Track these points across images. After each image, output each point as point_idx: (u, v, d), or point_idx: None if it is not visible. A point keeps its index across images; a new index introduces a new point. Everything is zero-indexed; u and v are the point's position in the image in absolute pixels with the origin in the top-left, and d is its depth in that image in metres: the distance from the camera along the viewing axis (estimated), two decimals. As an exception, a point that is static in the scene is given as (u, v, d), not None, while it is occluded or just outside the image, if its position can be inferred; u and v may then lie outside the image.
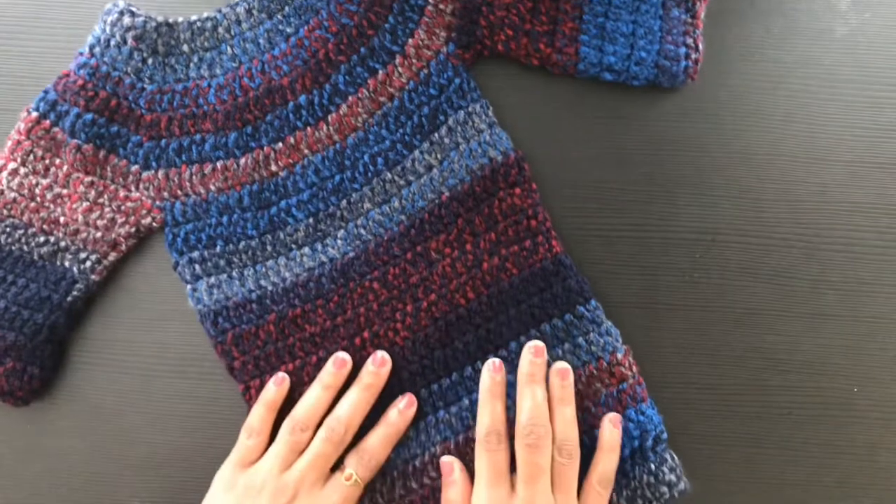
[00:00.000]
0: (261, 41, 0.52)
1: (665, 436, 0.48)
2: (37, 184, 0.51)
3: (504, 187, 0.50)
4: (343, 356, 0.50)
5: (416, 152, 0.51)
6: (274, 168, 0.51)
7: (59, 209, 0.51)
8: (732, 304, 0.52)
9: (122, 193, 0.52)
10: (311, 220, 0.51)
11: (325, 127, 0.51)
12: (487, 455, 0.46)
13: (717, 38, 0.53)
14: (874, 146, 0.53)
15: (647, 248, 0.52)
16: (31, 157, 0.51)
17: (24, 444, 0.52)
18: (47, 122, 0.51)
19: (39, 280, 0.51)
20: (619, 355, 0.49)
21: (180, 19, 0.52)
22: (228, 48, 0.52)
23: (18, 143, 0.51)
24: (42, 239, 0.51)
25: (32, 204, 0.51)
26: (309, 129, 0.51)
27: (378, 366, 0.49)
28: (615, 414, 0.48)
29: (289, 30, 0.52)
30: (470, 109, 0.51)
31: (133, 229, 0.52)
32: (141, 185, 0.52)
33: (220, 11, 0.52)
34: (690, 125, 0.53)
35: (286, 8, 0.52)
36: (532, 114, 0.53)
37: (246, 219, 0.51)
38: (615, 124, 0.53)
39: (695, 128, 0.53)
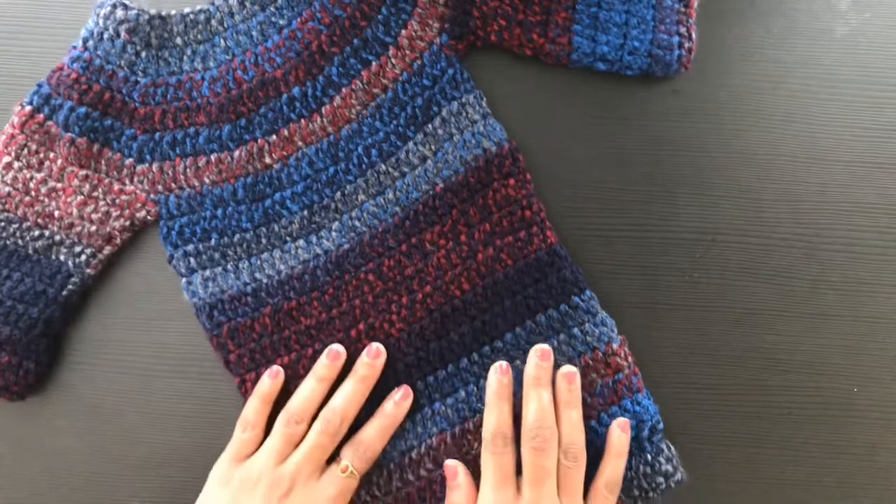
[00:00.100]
0: (254, 33, 0.52)
1: (661, 426, 0.48)
2: (31, 178, 0.51)
3: (498, 178, 0.50)
4: (337, 348, 0.50)
5: (410, 143, 0.51)
6: (268, 160, 0.51)
7: (53, 203, 0.51)
8: (732, 304, 0.52)
9: (116, 187, 0.51)
10: (305, 212, 0.51)
11: (318, 119, 0.51)
12: (493, 457, 0.46)
13: (717, 38, 0.53)
14: (874, 146, 0.53)
15: (647, 248, 0.52)
16: (26, 151, 0.51)
17: (23, 444, 0.52)
18: (41, 115, 0.51)
19: (34, 274, 0.51)
20: (615, 345, 0.49)
21: (173, 12, 0.52)
22: (222, 40, 0.52)
23: (12, 136, 0.51)
24: (37, 233, 0.51)
25: (27, 198, 0.51)
26: (303, 120, 0.51)
27: (373, 357, 0.49)
28: (624, 419, 0.48)
29: (282, 22, 0.52)
30: (463, 100, 0.51)
31: (128, 223, 0.52)
32: (135, 179, 0.52)
33: (212, 4, 0.52)
34: (690, 125, 0.53)
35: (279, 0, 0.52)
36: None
37: (240, 211, 0.51)
38: (615, 124, 0.53)
39: (695, 128, 0.53)
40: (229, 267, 0.51)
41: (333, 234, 0.51)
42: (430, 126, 0.51)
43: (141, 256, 0.53)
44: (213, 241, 0.51)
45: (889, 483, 0.51)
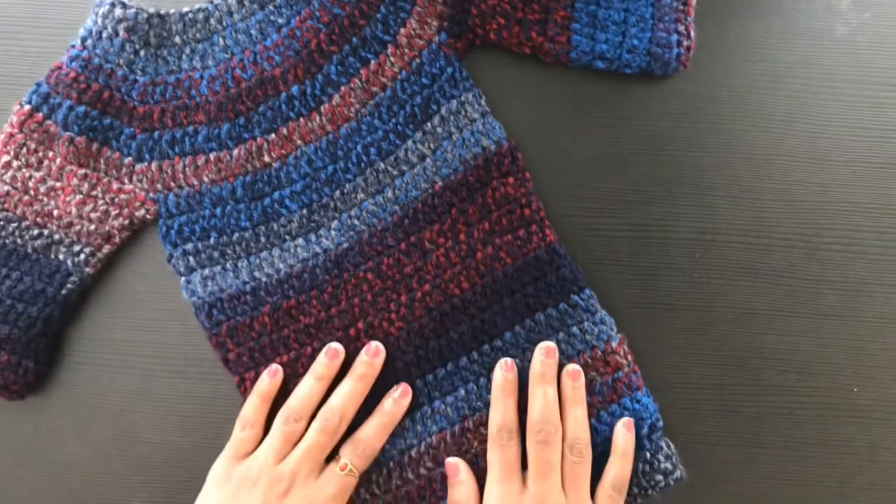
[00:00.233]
0: (253, 32, 0.52)
1: (661, 424, 0.48)
2: (30, 177, 0.51)
3: (497, 177, 0.50)
4: (336, 347, 0.50)
5: (409, 142, 0.51)
6: (267, 159, 0.51)
7: (52, 202, 0.51)
8: (732, 304, 0.52)
9: (115, 186, 0.51)
10: (304, 210, 0.51)
11: (317, 117, 0.51)
12: (499, 451, 0.47)
13: (717, 38, 0.53)
14: (875, 146, 0.53)
15: (647, 248, 0.52)
16: (24, 150, 0.51)
17: (23, 444, 0.52)
18: (40, 114, 0.51)
19: (33, 273, 0.51)
20: (614, 344, 0.49)
21: (172, 10, 0.52)
22: (220, 39, 0.52)
23: (11, 136, 0.51)
24: (36, 232, 0.51)
25: (26, 197, 0.51)
26: (302, 119, 0.51)
27: (372, 356, 0.49)
28: (629, 418, 0.48)
29: (280, 20, 0.52)
30: (462, 99, 0.51)
31: (127, 221, 0.52)
32: (134, 178, 0.52)
33: (211, 2, 0.52)
34: (690, 125, 0.53)
35: (277, -2, 0.52)
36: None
37: (239, 210, 0.51)
38: (615, 124, 0.53)
39: (695, 128, 0.53)
40: (228, 266, 0.51)
41: (332, 232, 0.51)
42: (429, 124, 0.51)
43: (141, 256, 0.53)
44: (212, 240, 0.51)
45: (889, 483, 0.51)
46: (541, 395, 0.47)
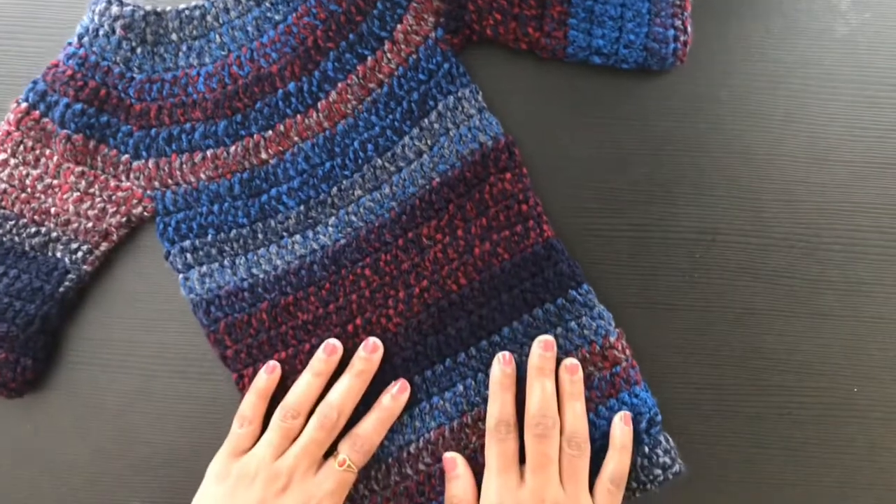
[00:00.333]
0: (249, 29, 0.52)
1: (659, 418, 0.48)
2: (27, 175, 0.51)
3: (494, 172, 0.50)
4: (333, 343, 0.50)
5: (406, 138, 0.51)
6: (264, 156, 0.51)
7: (49, 200, 0.51)
8: (732, 304, 0.52)
9: (112, 183, 0.51)
10: (301, 207, 0.51)
11: (314, 114, 0.51)
12: (497, 444, 0.47)
13: (717, 38, 0.53)
14: (874, 146, 0.53)
15: (647, 248, 0.52)
16: (21, 147, 0.51)
17: (24, 444, 0.52)
18: (37, 112, 0.51)
19: (31, 271, 0.51)
20: (612, 338, 0.49)
21: (168, 8, 0.52)
22: (217, 36, 0.52)
23: (8, 133, 0.51)
24: (33, 230, 0.51)
25: (23, 195, 0.51)
26: (298, 116, 0.51)
27: (370, 352, 0.49)
28: (626, 412, 0.48)
29: (277, 17, 0.52)
30: (459, 94, 0.51)
31: (124, 219, 0.52)
32: (131, 175, 0.52)
33: None
34: (690, 125, 0.53)
35: (274, -5, 0.52)
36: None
37: (237, 207, 0.51)
38: (615, 124, 0.53)
39: (695, 128, 0.53)
40: (226, 263, 0.51)
41: (330, 229, 0.51)
42: (426, 121, 0.51)
43: (141, 256, 0.53)
44: (209, 237, 0.51)
45: (889, 483, 0.51)
46: (539, 388, 0.47)
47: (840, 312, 0.52)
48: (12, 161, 0.51)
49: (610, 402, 0.48)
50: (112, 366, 0.52)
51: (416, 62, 0.51)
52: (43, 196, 0.51)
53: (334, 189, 0.51)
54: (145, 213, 0.52)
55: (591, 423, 0.48)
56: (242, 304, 0.51)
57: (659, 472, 0.47)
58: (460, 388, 0.49)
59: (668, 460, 0.48)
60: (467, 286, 0.50)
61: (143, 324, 0.53)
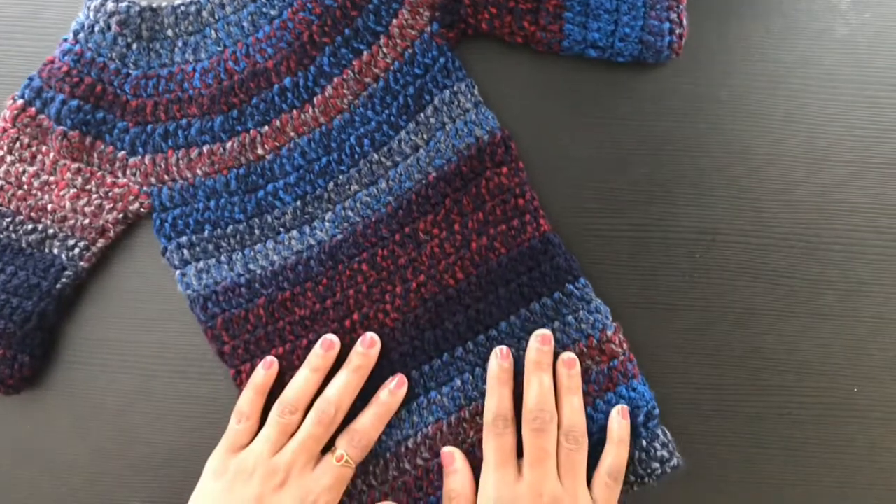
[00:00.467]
0: (245, 24, 0.52)
1: (657, 412, 0.48)
2: (23, 171, 0.51)
3: (491, 166, 0.50)
4: (331, 338, 0.49)
5: (403, 133, 0.51)
6: (260, 151, 0.51)
7: (46, 196, 0.51)
8: (732, 304, 0.52)
9: (109, 179, 0.51)
10: (298, 202, 0.51)
11: (310, 109, 0.51)
12: (494, 439, 0.47)
13: (717, 38, 0.53)
14: (874, 146, 0.53)
15: (647, 248, 0.52)
16: (18, 144, 0.51)
17: (24, 444, 0.52)
18: (33, 109, 0.51)
19: (28, 268, 0.51)
20: (609, 332, 0.49)
21: (164, 4, 0.52)
22: (213, 32, 0.52)
23: (4, 130, 0.51)
24: (30, 226, 0.51)
25: (20, 191, 0.51)
26: (295, 111, 0.51)
27: (367, 347, 0.49)
28: (623, 406, 0.48)
29: (272, 12, 0.52)
30: (455, 89, 0.51)
31: (121, 215, 0.52)
32: (128, 171, 0.52)
33: (203, -5, 0.52)
34: (690, 125, 0.53)
35: (269, -10, 0.52)
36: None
37: (233, 203, 0.51)
38: (615, 124, 0.53)
39: (695, 128, 0.53)
40: (223, 258, 0.51)
41: (327, 224, 0.51)
42: (422, 115, 0.51)
43: (141, 256, 0.53)
44: (206, 233, 0.51)
45: (889, 483, 0.51)
46: (536, 382, 0.47)
47: (840, 312, 0.52)
48: (9, 158, 0.51)
49: (608, 396, 0.48)
50: (112, 366, 0.52)
51: (411, 57, 0.51)
52: (39, 193, 0.51)
53: (331, 184, 0.51)
54: (142, 210, 0.52)
55: (589, 417, 0.48)
56: (239, 299, 0.51)
57: (657, 465, 0.47)
58: (458, 382, 0.49)
59: (665, 454, 0.48)
60: (464, 281, 0.50)
61: (143, 324, 0.53)
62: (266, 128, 0.51)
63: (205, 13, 0.52)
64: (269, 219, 0.51)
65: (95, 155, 0.51)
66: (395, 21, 0.51)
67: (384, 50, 0.51)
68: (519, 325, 0.49)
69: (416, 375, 0.50)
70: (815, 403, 0.51)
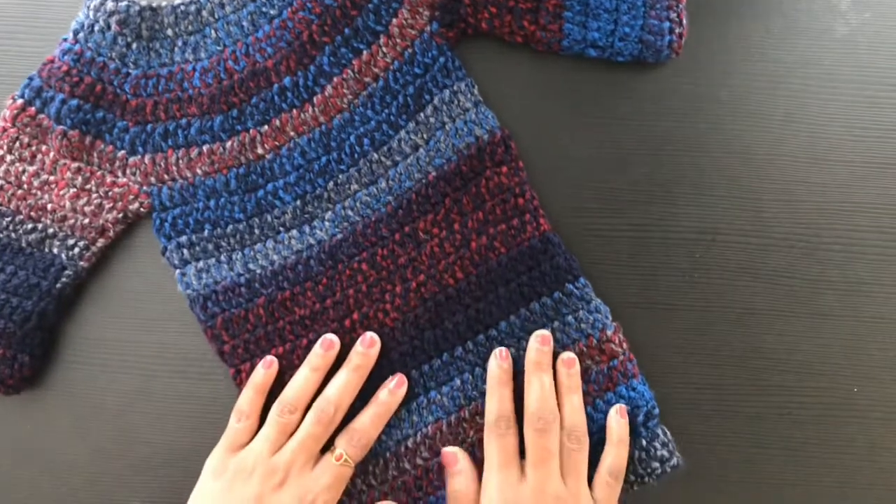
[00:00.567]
0: (244, 24, 0.52)
1: (657, 411, 0.48)
2: (23, 171, 0.51)
3: (491, 166, 0.50)
4: (331, 338, 0.49)
5: (402, 132, 0.51)
6: (260, 151, 0.51)
7: (46, 196, 0.51)
8: (732, 304, 0.52)
9: (109, 179, 0.51)
10: (298, 202, 0.51)
11: (310, 108, 0.51)
12: (497, 440, 0.47)
13: (717, 38, 0.53)
14: (874, 146, 0.53)
15: (647, 248, 0.52)
16: (18, 144, 0.51)
17: (24, 444, 0.52)
18: (33, 108, 0.51)
19: (28, 267, 0.51)
20: (609, 332, 0.49)
21: (164, 3, 0.52)
22: (212, 31, 0.52)
23: (4, 130, 0.51)
24: (30, 226, 0.51)
25: (19, 191, 0.51)
26: (294, 110, 0.51)
27: (367, 347, 0.49)
28: (621, 405, 0.48)
29: (272, 12, 0.51)
30: (455, 88, 0.51)
31: (120, 215, 0.52)
32: (128, 171, 0.52)
33: (203, -6, 0.52)
34: (690, 125, 0.53)
35: (269, -10, 0.52)
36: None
37: (233, 202, 0.51)
38: (615, 124, 0.53)
39: (695, 128, 0.53)
40: (223, 258, 0.51)
41: (326, 223, 0.51)
42: (421, 114, 0.51)
43: (142, 256, 0.53)
44: (206, 233, 0.51)
45: (889, 483, 0.51)
46: (537, 383, 0.47)
47: (840, 312, 0.52)
48: (8, 157, 0.51)
49: (607, 396, 0.48)
50: (112, 365, 0.52)
51: (411, 56, 0.51)
52: (39, 192, 0.51)
53: (330, 184, 0.51)
54: (142, 209, 0.52)
55: (589, 417, 0.48)
56: (239, 299, 0.51)
57: (657, 465, 0.47)
58: (458, 382, 0.49)
59: (665, 453, 0.48)
60: (464, 280, 0.50)
61: (143, 324, 0.53)
62: (266, 127, 0.51)
63: (204, 13, 0.52)
64: (269, 218, 0.51)
65: (95, 154, 0.51)
66: (394, 20, 0.51)
67: (384, 49, 0.51)
68: (519, 324, 0.49)
69: (415, 375, 0.50)
70: (815, 403, 0.51)
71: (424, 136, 0.51)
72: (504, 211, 0.50)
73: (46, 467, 0.52)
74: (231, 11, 0.52)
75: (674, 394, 0.51)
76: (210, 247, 0.51)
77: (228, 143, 0.51)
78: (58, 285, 0.51)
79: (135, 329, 0.53)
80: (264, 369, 0.49)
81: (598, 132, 0.53)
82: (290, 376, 0.49)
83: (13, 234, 0.51)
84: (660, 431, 0.48)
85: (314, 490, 0.46)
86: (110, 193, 0.51)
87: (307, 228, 0.51)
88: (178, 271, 0.51)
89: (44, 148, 0.51)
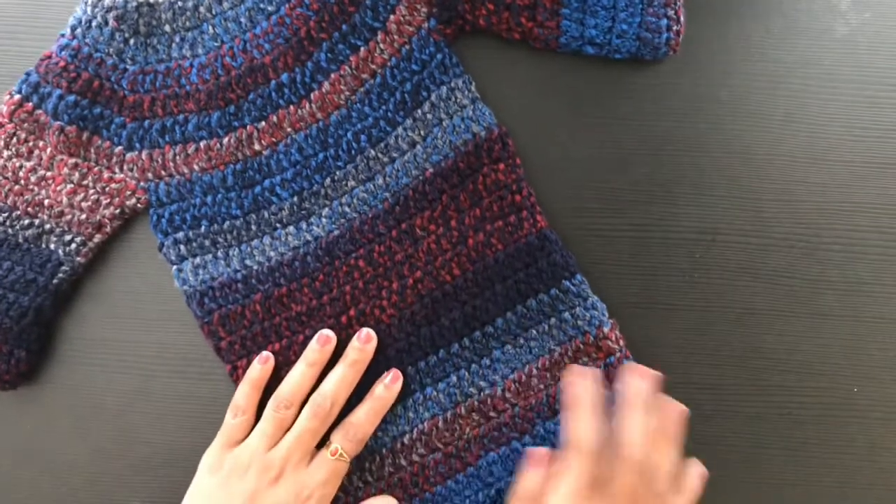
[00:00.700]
0: (242, 20, 0.52)
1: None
2: (20, 166, 0.51)
3: (488, 163, 0.50)
4: (327, 333, 0.49)
5: (400, 129, 0.51)
6: (257, 147, 0.51)
7: (43, 192, 0.51)
8: (732, 304, 0.52)
9: (106, 175, 0.51)
10: (295, 198, 0.51)
11: (307, 105, 0.51)
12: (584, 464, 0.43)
13: (717, 37, 0.53)
14: (874, 146, 0.53)
15: (647, 248, 0.52)
16: (15, 139, 0.51)
17: (24, 444, 0.52)
18: (30, 104, 0.51)
19: (25, 263, 0.51)
20: (606, 329, 0.49)
21: (161, -1, 0.52)
22: (210, 27, 0.52)
23: (1, 125, 0.51)
24: (27, 222, 0.51)
25: (17, 187, 0.51)
26: (292, 107, 0.51)
27: (363, 342, 0.49)
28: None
29: (270, 8, 0.51)
30: (452, 85, 0.51)
31: (118, 210, 0.52)
32: (125, 167, 0.52)
33: (201, -9, 0.52)
34: (690, 125, 0.53)
35: (267, -14, 0.52)
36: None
37: (230, 198, 0.51)
38: (615, 124, 0.53)
39: (695, 128, 0.53)
40: (219, 254, 0.51)
41: (323, 220, 0.51)
42: (419, 111, 0.51)
43: (142, 256, 0.53)
44: (202, 229, 0.51)
45: (889, 483, 0.51)
46: (640, 423, 0.44)
47: (840, 312, 0.52)
48: (5, 153, 0.51)
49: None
50: (111, 365, 0.52)
51: (409, 53, 0.51)
52: (36, 188, 0.51)
53: (328, 180, 0.51)
54: (139, 205, 0.52)
55: None
56: (236, 295, 0.51)
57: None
58: (454, 378, 0.49)
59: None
60: (461, 277, 0.50)
61: (143, 324, 0.53)
62: (263, 123, 0.51)
63: (202, 9, 0.52)
64: (266, 215, 0.51)
65: (92, 150, 0.51)
66: (392, 17, 0.51)
67: (381, 46, 0.51)
68: (515, 321, 0.49)
69: (411, 371, 0.50)
70: (815, 403, 0.51)
71: (422, 132, 0.51)
72: (501, 208, 0.50)
73: (46, 467, 0.52)
74: (228, 8, 0.52)
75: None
76: (207, 243, 0.51)
77: (225, 140, 0.51)
78: (54, 281, 0.51)
79: (134, 329, 0.53)
80: (260, 365, 0.49)
81: (598, 132, 0.53)
82: (287, 372, 0.49)
83: (10, 230, 0.51)
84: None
85: (310, 485, 0.46)
86: (107, 189, 0.51)
87: (304, 225, 0.51)
88: (174, 267, 0.51)
89: (41, 144, 0.51)
